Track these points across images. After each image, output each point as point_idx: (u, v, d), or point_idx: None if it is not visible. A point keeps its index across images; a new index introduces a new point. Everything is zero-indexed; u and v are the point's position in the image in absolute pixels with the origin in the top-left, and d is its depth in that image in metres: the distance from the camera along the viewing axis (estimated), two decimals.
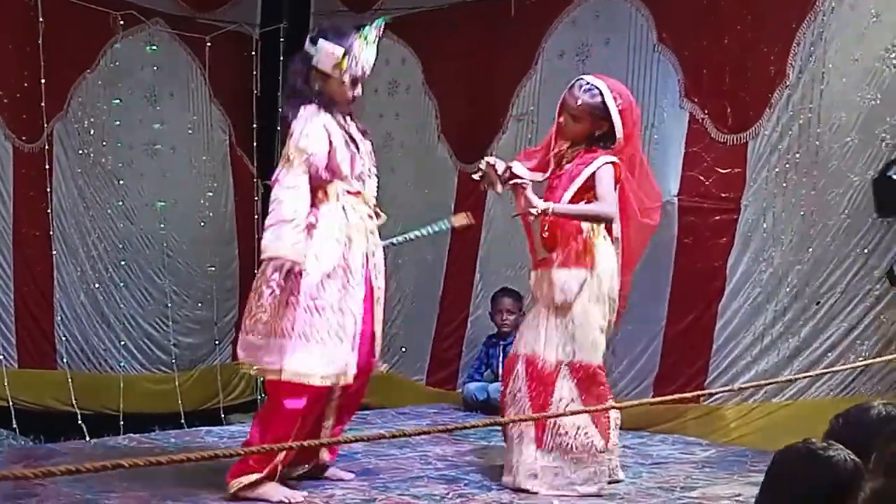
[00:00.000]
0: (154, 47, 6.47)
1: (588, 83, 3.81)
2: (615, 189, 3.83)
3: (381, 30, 3.59)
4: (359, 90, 3.62)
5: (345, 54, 3.51)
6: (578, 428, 3.75)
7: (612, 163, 3.79)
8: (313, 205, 3.53)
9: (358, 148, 3.65)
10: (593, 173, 3.77)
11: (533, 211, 3.71)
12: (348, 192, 3.61)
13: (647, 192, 4.03)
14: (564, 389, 3.76)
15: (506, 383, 3.91)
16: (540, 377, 3.76)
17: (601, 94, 3.79)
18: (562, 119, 3.84)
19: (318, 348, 3.48)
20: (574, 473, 3.75)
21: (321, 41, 3.54)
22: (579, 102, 3.78)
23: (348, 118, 3.68)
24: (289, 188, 3.45)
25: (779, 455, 1.96)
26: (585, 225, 3.78)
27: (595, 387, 3.80)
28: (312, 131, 3.50)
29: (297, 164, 3.46)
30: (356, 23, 3.56)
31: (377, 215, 3.75)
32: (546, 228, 3.86)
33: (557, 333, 3.77)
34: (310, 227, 3.50)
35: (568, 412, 3.72)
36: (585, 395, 3.77)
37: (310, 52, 3.57)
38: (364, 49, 3.54)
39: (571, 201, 3.79)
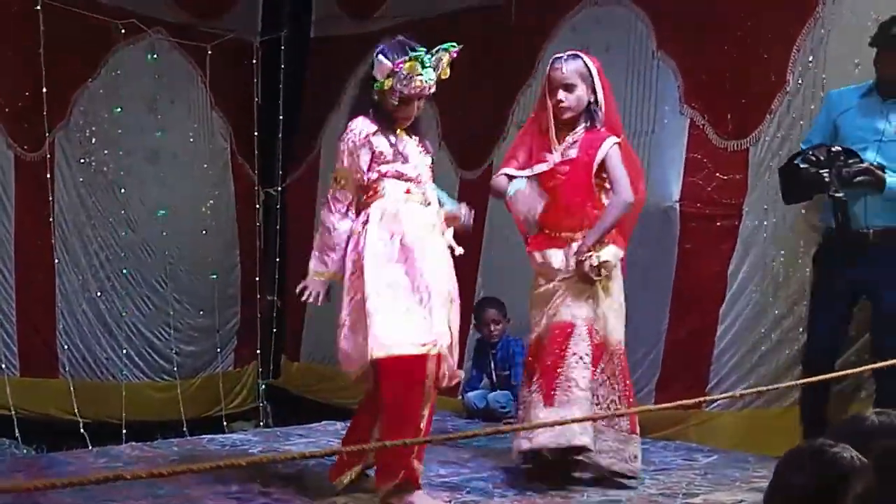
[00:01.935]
0: (155, 56, 6.49)
1: (563, 56, 3.99)
2: None
3: (454, 54, 3.59)
4: (414, 108, 3.65)
5: (389, 74, 3.55)
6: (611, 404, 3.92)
7: (618, 143, 3.96)
8: (365, 203, 3.65)
9: (405, 158, 3.67)
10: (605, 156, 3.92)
11: (589, 260, 3.84)
12: (399, 189, 3.63)
13: (633, 164, 4.13)
14: (607, 366, 3.93)
15: (552, 354, 3.92)
16: (596, 351, 3.89)
17: (580, 57, 3.97)
18: (559, 95, 3.92)
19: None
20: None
21: (379, 56, 3.59)
22: (566, 71, 3.92)
23: (405, 133, 3.71)
24: (332, 213, 3.63)
25: (789, 452, 2.00)
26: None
27: (625, 366, 4.02)
28: (355, 149, 3.60)
29: (346, 187, 3.62)
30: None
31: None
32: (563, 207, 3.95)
33: (607, 311, 3.93)
34: (364, 224, 3.61)
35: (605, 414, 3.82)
36: (622, 374, 3.98)
37: (374, 63, 3.62)
38: (417, 71, 3.53)
39: (588, 184, 3.92)
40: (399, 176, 3.63)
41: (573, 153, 3.97)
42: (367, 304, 3.46)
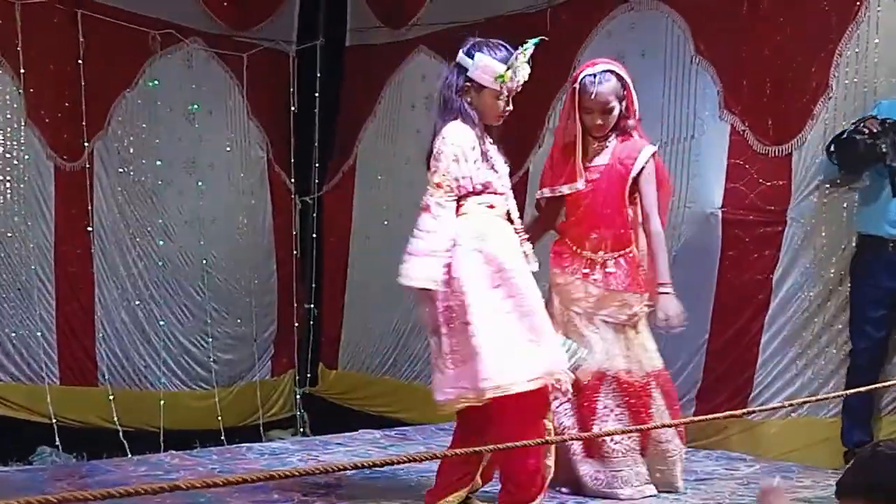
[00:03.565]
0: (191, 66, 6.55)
1: (595, 75, 3.77)
2: None
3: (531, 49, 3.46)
4: (510, 106, 3.51)
5: (508, 67, 3.40)
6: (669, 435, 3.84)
7: (654, 153, 3.86)
8: None
9: (493, 165, 3.49)
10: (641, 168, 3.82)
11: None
12: (487, 205, 3.44)
13: (662, 183, 4.03)
14: (658, 400, 3.84)
15: (586, 398, 3.80)
16: (635, 391, 3.78)
17: (613, 73, 3.78)
18: (598, 120, 3.78)
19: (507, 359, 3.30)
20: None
21: (479, 54, 3.43)
22: (604, 93, 3.74)
23: (488, 136, 3.52)
24: (436, 218, 3.34)
25: (861, 454, 1.99)
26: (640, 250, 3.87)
27: (672, 389, 3.97)
28: (461, 153, 3.38)
29: (447, 191, 3.35)
30: (503, 37, 3.56)
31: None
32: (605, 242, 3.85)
33: (636, 348, 3.82)
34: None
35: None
36: (669, 402, 3.91)
37: (464, 63, 3.45)
38: (523, 64, 3.43)
39: (621, 197, 3.82)
40: (485, 188, 3.44)
41: (604, 160, 3.84)
42: (473, 335, 3.26)
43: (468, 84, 3.45)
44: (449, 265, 3.34)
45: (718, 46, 5.13)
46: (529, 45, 3.44)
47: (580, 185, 3.84)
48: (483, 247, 3.36)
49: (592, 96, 3.75)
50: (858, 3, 4.60)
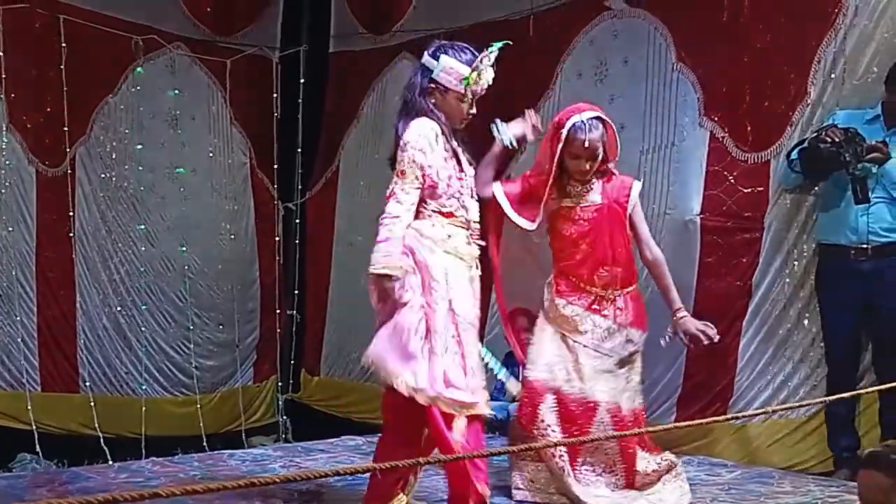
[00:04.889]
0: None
1: (585, 122, 3.81)
2: None
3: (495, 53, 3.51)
4: (474, 109, 3.54)
5: (473, 69, 3.45)
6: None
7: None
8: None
9: (461, 168, 3.54)
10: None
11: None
12: (440, 212, 3.48)
13: None
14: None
15: (578, 426, 3.85)
16: (625, 426, 3.82)
17: (601, 120, 3.84)
18: (585, 166, 3.84)
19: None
20: None
21: (444, 56, 3.46)
22: (593, 142, 3.80)
23: (455, 139, 3.55)
24: (401, 203, 3.38)
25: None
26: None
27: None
28: (426, 144, 3.42)
29: (411, 179, 3.39)
30: (469, 40, 3.59)
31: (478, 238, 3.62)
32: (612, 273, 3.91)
33: (630, 385, 3.92)
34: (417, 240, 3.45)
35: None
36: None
37: (429, 65, 3.48)
38: (487, 67, 3.48)
39: (623, 234, 3.92)
40: (448, 195, 3.47)
41: (596, 199, 3.90)
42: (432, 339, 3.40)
43: (433, 86, 3.48)
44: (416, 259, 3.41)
45: (699, 54, 5.16)
46: (494, 49, 3.48)
47: (531, 227, 3.93)
48: (432, 257, 3.43)
49: (585, 144, 3.80)
50: (836, 11, 4.64)
